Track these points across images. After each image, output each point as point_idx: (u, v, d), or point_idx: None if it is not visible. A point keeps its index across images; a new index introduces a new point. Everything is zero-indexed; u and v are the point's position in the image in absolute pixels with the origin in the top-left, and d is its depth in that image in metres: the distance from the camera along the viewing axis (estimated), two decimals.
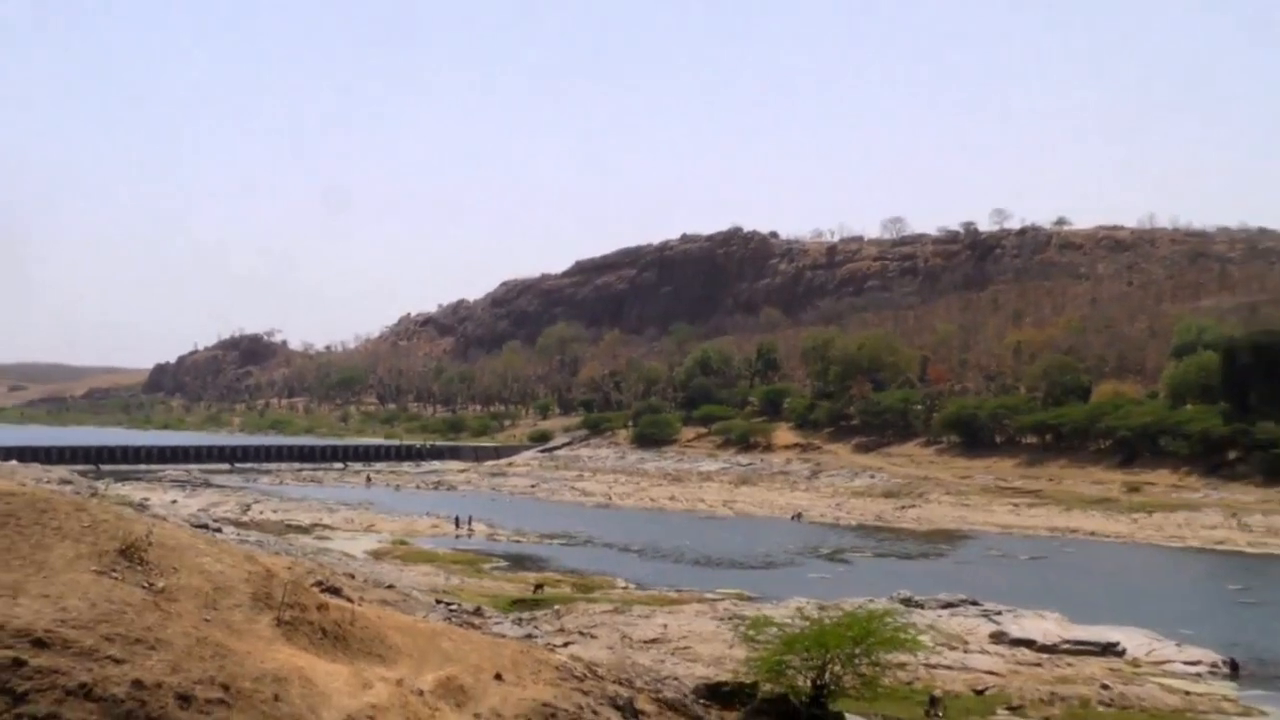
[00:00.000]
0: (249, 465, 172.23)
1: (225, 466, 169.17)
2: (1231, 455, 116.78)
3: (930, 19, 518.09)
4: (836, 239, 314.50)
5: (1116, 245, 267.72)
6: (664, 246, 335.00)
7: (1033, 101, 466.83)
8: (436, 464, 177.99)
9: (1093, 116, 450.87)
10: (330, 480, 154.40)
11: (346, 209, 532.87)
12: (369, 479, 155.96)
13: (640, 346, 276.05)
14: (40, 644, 15.30)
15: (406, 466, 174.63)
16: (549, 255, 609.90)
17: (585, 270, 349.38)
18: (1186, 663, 49.76)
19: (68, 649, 15.41)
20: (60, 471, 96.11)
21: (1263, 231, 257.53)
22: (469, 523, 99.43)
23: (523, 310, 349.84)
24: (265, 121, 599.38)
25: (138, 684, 15.41)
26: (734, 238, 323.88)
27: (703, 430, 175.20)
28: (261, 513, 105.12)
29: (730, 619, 50.44)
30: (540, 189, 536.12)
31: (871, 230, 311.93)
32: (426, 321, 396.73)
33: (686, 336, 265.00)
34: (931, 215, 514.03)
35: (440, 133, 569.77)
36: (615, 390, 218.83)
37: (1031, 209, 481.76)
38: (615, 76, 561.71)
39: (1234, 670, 49.12)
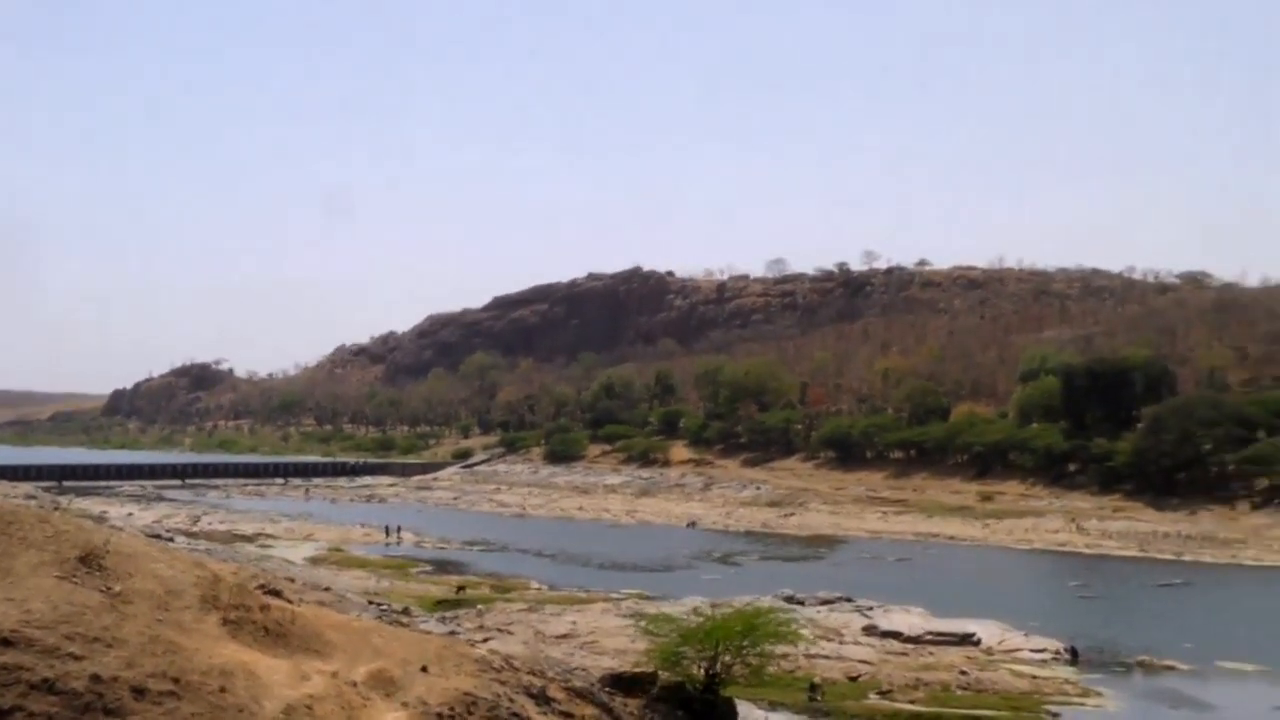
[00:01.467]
0: (199, 481, 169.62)
1: (177, 483, 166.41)
2: (1071, 468, 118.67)
3: (810, 77, 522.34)
4: (726, 277, 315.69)
5: (970, 283, 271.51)
6: (572, 284, 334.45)
7: (898, 153, 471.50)
8: (369, 479, 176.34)
9: (950, 167, 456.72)
10: (272, 494, 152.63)
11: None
12: (307, 493, 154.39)
13: (552, 373, 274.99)
14: (6, 643, 15.10)
15: (342, 481, 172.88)
16: (470, 291, 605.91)
17: (502, 305, 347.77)
18: (1034, 650, 50.56)
19: (31, 647, 15.19)
20: (25, 488, 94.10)
21: (1096, 272, 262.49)
22: (398, 531, 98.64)
23: (446, 341, 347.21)
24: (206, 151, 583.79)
25: (95, 678, 15.22)
26: (635, 276, 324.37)
27: (607, 448, 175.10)
28: (210, 524, 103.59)
29: (632, 616, 50.45)
30: (461, 230, 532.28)
31: (756, 269, 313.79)
32: (359, 351, 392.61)
33: (593, 364, 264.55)
34: (809, 256, 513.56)
35: (378, 177, 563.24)
36: (529, 412, 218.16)
37: (897, 251, 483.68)
38: (531, 130, 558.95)
39: (1074, 657, 49.98)
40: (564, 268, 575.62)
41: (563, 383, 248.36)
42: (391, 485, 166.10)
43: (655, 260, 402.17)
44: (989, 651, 50.36)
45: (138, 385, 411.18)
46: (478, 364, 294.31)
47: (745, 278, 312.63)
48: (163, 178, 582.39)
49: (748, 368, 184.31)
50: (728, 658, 32.16)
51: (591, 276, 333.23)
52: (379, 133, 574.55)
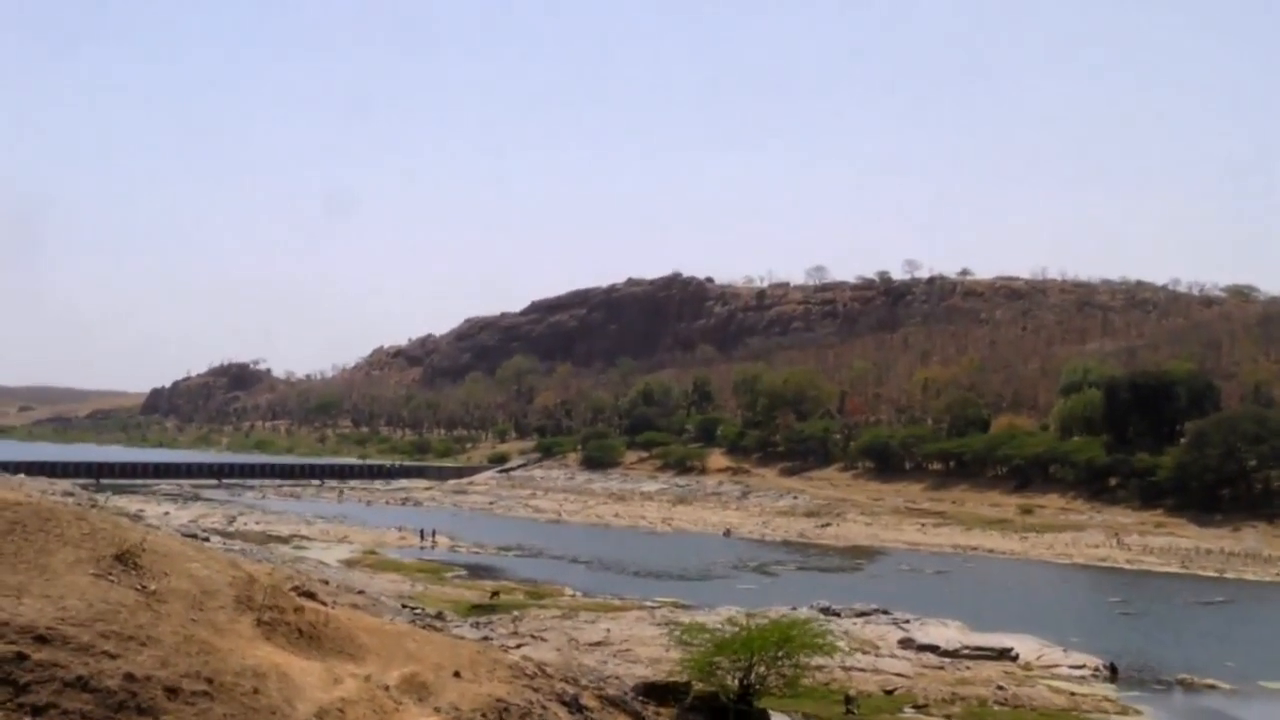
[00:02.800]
0: (235, 481, 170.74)
1: (213, 482, 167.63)
2: (1112, 482, 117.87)
3: (852, 83, 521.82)
4: (766, 284, 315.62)
5: (1013, 294, 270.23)
6: (611, 289, 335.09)
7: (941, 161, 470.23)
8: (404, 482, 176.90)
9: (994, 176, 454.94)
10: (308, 496, 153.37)
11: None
12: (341, 494, 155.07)
13: (589, 379, 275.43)
14: (41, 640, 15.17)
15: (377, 484, 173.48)
16: (509, 295, 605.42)
17: (540, 310, 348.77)
18: (1072, 667, 50.08)
19: (66, 644, 15.27)
20: (64, 484, 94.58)
21: (1140, 284, 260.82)
22: (433, 535, 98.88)
23: (484, 344, 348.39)
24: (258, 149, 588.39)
25: (129, 677, 15.27)
26: (674, 282, 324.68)
27: (644, 454, 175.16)
28: (245, 524, 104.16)
29: (667, 625, 50.34)
30: (501, 234, 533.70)
31: (797, 277, 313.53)
32: (397, 354, 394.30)
33: (630, 370, 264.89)
34: (850, 264, 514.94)
35: (412, 178, 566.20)
36: (566, 417, 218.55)
37: (939, 260, 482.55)
38: (574, 132, 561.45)
39: (1114, 674, 49.46)
40: (603, 273, 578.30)
41: (600, 388, 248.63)
42: (427, 489, 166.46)
43: (695, 266, 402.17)
44: (1027, 667, 49.93)
45: (176, 384, 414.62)
46: (515, 368, 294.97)
47: (785, 285, 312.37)
48: (196, 174, 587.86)
49: (786, 376, 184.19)
50: (762, 669, 32.08)
51: (631, 282, 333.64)
52: (416, 137, 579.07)
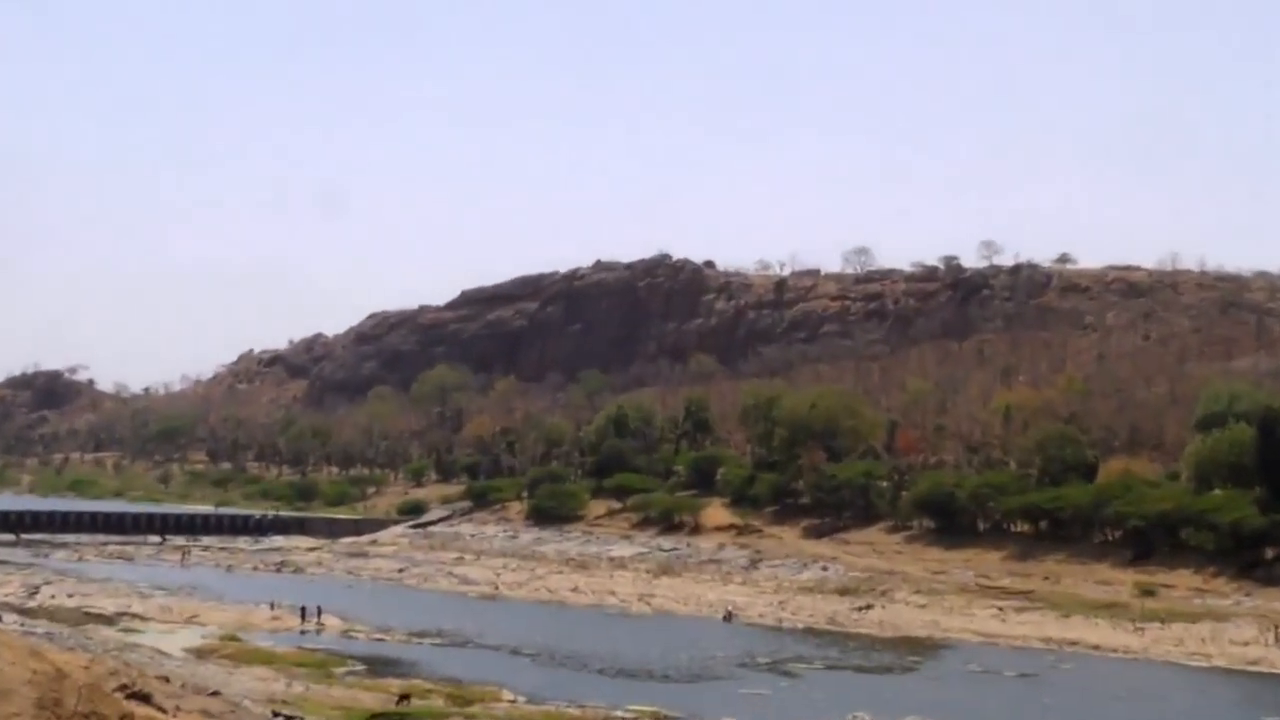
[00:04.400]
0: (40, 536, 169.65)
1: (9, 537, 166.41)
2: (1269, 553, 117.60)
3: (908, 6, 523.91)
4: (786, 272, 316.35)
5: (1131, 289, 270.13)
6: (573, 276, 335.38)
7: (1032, 112, 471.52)
8: (280, 540, 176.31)
9: (1107, 134, 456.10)
10: (144, 557, 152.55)
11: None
12: (186, 554, 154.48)
13: (540, 398, 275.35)
14: None
15: (242, 542, 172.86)
16: (428, 281, 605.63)
17: (473, 302, 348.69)
18: None
19: None
20: None
21: None
22: (318, 615, 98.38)
23: (394, 349, 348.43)
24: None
25: None
26: (660, 267, 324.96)
27: (616, 505, 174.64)
28: (54, 596, 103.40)
29: None
30: (419, 198, 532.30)
31: (830, 263, 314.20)
32: (273, 360, 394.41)
33: (598, 387, 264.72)
34: (905, 246, 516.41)
35: (285, 121, 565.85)
36: (508, 452, 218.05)
37: (1028, 242, 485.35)
38: (518, 62, 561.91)
39: None
40: (561, 254, 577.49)
41: (556, 412, 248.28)
42: (312, 549, 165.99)
43: (689, 246, 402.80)
44: None
45: None
46: (437, 382, 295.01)
47: (814, 274, 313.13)
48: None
49: (815, 399, 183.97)
50: None
51: (600, 266, 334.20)
52: (306, 81, 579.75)
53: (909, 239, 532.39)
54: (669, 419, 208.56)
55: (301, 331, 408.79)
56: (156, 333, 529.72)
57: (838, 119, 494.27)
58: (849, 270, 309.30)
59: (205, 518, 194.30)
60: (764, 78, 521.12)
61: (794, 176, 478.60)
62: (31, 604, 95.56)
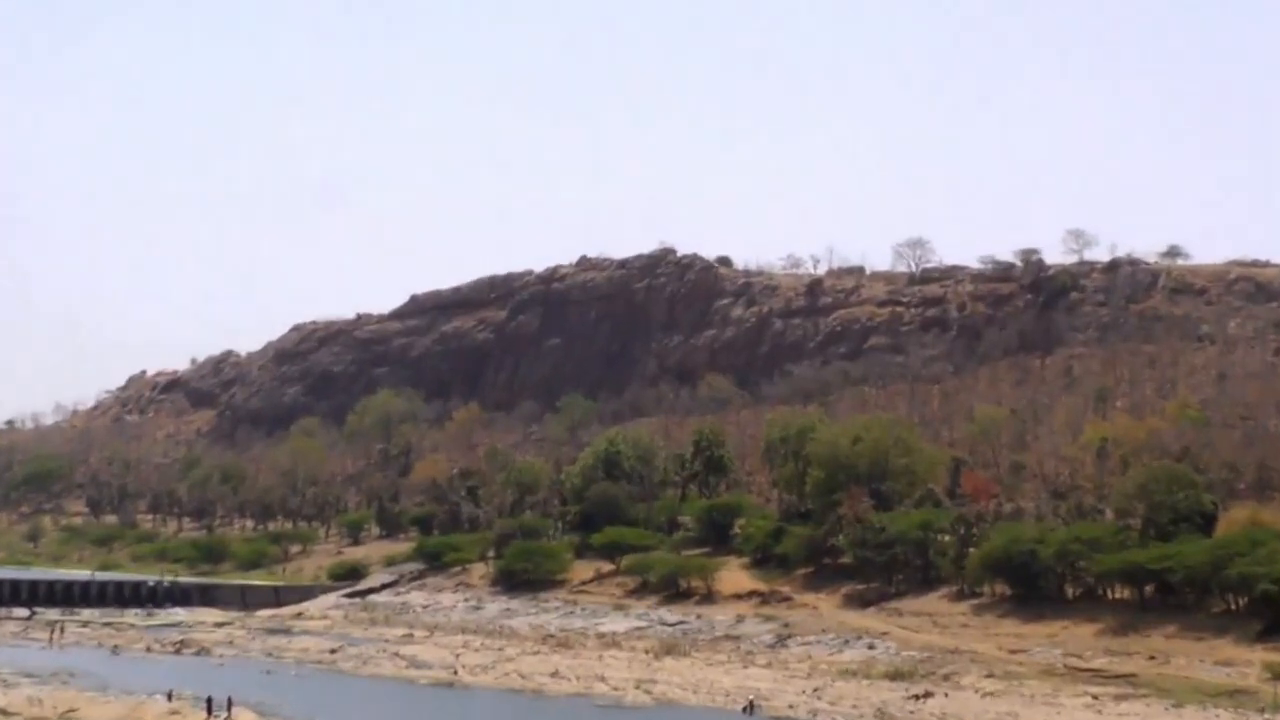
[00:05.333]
0: None
1: None
2: None
3: None
4: (822, 270, 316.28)
5: (1259, 291, 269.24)
6: (551, 276, 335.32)
7: (1130, 78, 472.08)
8: (180, 613, 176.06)
9: (1224, 99, 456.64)
10: (6, 636, 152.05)
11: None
12: (59, 631, 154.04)
13: (511, 431, 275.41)
14: None
15: (132, 616, 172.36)
16: (368, 286, 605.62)
17: (425, 310, 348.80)
18: None
19: None
20: None
21: None
22: (229, 709, 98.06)
23: (324, 370, 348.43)
24: None
25: None
26: (661, 264, 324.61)
27: (606, 567, 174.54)
28: None
29: None
30: (360, 186, 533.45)
31: (878, 259, 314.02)
32: (171, 384, 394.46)
33: (584, 417, 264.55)
34: (971, 238, 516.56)
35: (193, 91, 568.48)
36: (469, 501, 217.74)
37: (1127, 233, 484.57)
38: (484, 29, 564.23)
39: None
40: (535, 251, 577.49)
41: (530, 449, 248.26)
42: (221, 624, 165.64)
43: (698, 239, 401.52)
44: None
45: None
46: (380, 412, 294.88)
47: (857, 272, 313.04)
48: None
49: (859, 431, 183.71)
50: None
51: (585, 264, 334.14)
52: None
53: (977, 228, 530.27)
54: (674, 457, 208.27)
55: (206, 349, 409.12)
56: (21, 350, 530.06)
57: (884, 85, 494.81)
58: (901, 268, 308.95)
59: (85, 585, 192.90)
60: (786, 43, 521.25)
61: (830, 153, 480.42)
62: None
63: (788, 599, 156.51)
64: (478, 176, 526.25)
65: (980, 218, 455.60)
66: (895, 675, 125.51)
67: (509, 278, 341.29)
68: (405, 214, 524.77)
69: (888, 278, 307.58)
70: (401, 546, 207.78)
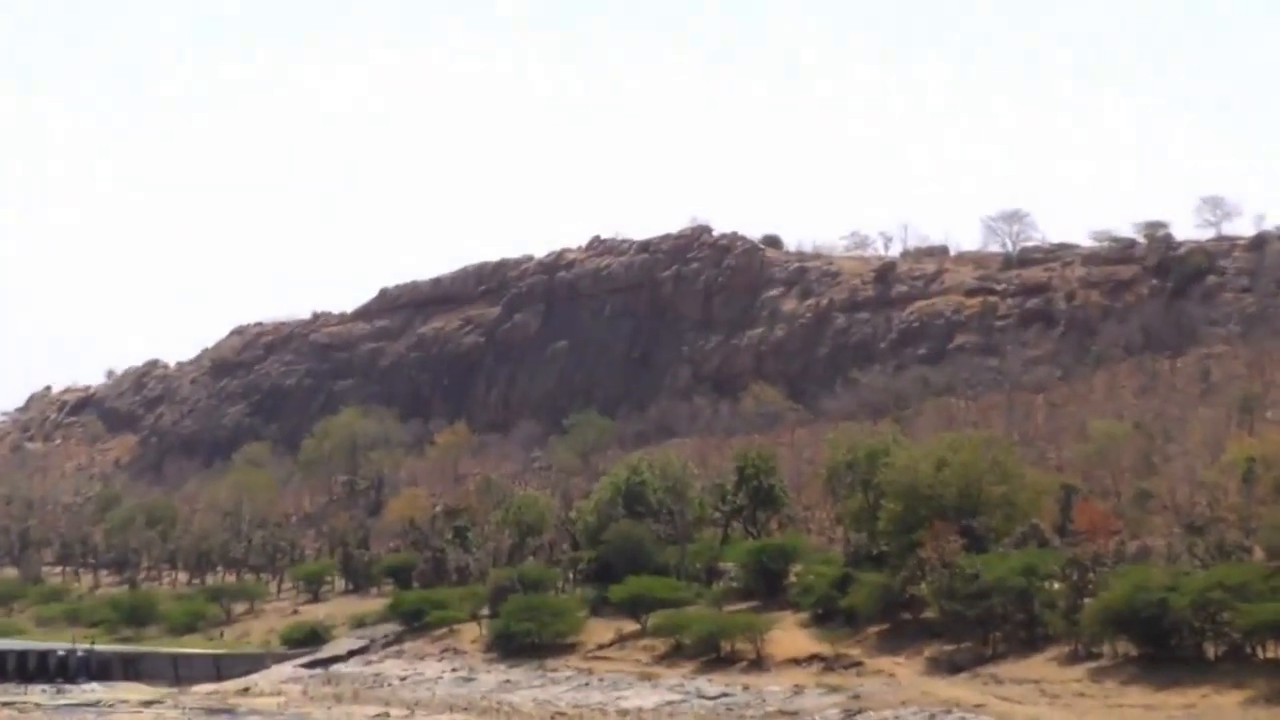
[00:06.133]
0: None
1: None
2: None
3: None
4: (896, 251, 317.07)
5: None
6: (555, 264, 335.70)
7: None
8: (98, 689, 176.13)
9: None
10: None
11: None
12: None
13: (508, 458, 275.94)
14: None
15: (37, 694, 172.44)
16: (328, 277, 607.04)
17: (399, 307, 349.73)
18: None
19: None
20: None
21: None
22: None
23: (275, 384, 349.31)
24: None
25: None
26: (694, 246, 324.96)
27: (629, 627, 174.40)
28: None
29: None
30: (312, 155, 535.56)
31: (965, 237, 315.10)
32: (83, 404, 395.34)
33: (599, 439, 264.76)
34: (1082, 210, 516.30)
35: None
36: (457, 545, 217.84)
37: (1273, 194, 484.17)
38: None
39: None
40: (535, 232, 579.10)
41: (532, 479, 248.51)
42: (149, 703, 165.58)
43: (737, 216, 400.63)
44: None
45: None
46: (343, 435, 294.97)
47: (940, 253, 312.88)
48: None
49: (944, 452, 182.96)
50: None
51: (599, 246, 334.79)
52: None
53: (1089, 197, 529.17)
54: (712, 488, 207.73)
55: (126, 359, 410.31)
56: None
57: (969, 19, 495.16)
58: (994, 248, 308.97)
59: None
60: None
61: (903, 104, 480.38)
62: None
63: (857, 664, 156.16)
64: (462, 137, 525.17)
65: (1093, 184, 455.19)
66: None
67: (503, 266, 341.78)
68: (372, 187, 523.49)
69: (978, 260, 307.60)
70: (373, 604, 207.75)
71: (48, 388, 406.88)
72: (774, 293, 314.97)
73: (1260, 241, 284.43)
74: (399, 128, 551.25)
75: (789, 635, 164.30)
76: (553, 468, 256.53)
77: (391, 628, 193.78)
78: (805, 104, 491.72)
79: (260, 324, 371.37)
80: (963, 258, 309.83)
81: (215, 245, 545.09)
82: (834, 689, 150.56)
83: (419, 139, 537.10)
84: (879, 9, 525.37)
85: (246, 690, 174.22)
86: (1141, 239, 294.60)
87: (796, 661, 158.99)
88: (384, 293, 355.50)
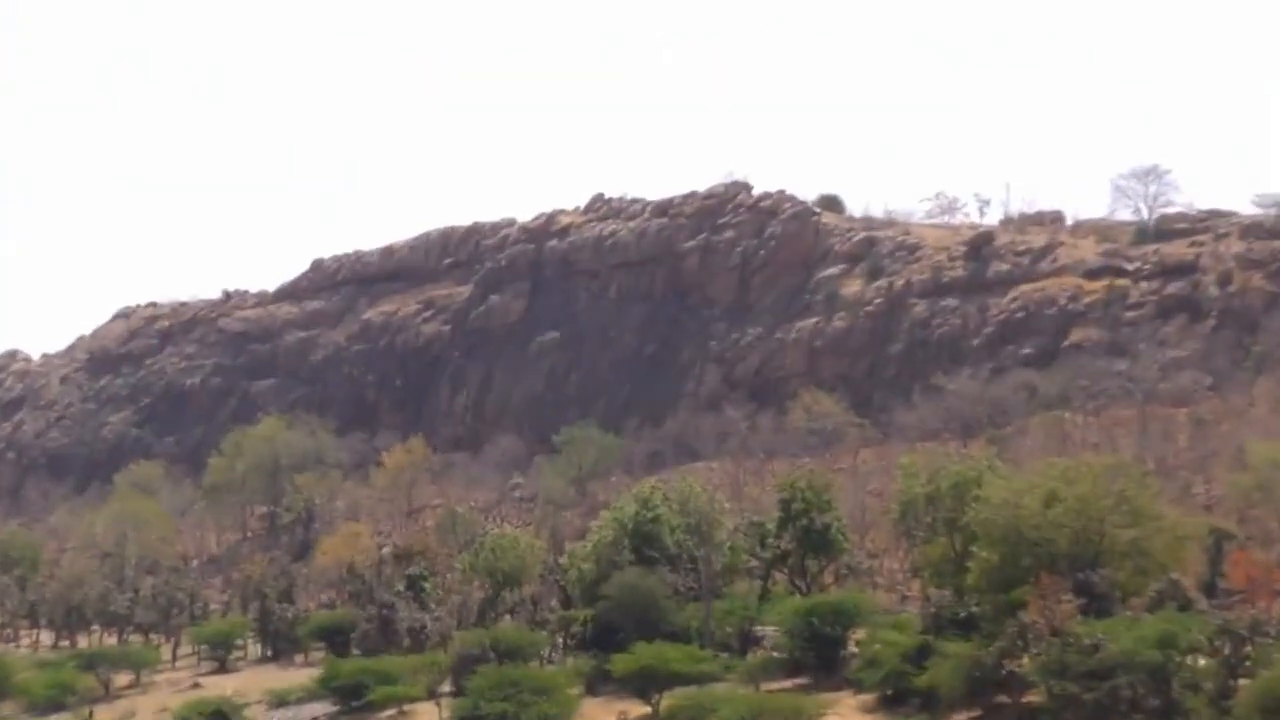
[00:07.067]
0: None
1: None
2: None
3: None
4: (994, 219, 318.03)
5: None
6: (543, 229, 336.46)
7: None
8: None
9: None
10: None
11: None
12: None
13: (479, 482, 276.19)
14: None
15: None
16: (243, 247, 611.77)
17: (337, 285, 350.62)
18: None
19: None
20: None
21: None
22: None
23: (171, 383, 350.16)
24: None
25: None
26: (727, 207, 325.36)
27: (637, 709, 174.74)
28: None
29: None
30: (227, 83, 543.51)
31: (1087, 202, 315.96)
32: None
33: (600, 461, 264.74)
34: (1238, 167, 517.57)
35: None
36: (410, 599, 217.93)
37: None
38: None
39: None
40: (516, 188, 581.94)
41: (509, 512, 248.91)
42: None
43: (784, 171, 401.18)
44: None
45: None
46: (263, 452, 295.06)
47: (1052, 222, 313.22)
48: None
49: (1054, 483, 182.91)
50: None
51: (600, 207, 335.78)
52: None
53: (1246, 152, 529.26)
54: (748, 527, 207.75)
55: None
56: None
57: None
58: (1124, 214, 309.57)
59: None
60: None
61: (1003, 34, 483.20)
62: None
63: None
64: (421, 65, 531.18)
65: (1252, 134, 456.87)
66: None
67: (475, 232, 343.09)
68: (301, 129, 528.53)
69: (1102, 230, 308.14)
70: (298, 675, 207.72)
71: None
72: (833, 271, 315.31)
73: None
74: (332, 51, 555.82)
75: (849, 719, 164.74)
76: (538, 498, 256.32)
77: (323, 708, 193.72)
78: (873, 28, 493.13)
79: (154, 305, 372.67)
80: (1082, 227, 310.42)
81: (94, 206, 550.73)
82: None
83: (360, 68, 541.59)
84: None
85: None
86: None
87: None
88: (318, 266, 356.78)
